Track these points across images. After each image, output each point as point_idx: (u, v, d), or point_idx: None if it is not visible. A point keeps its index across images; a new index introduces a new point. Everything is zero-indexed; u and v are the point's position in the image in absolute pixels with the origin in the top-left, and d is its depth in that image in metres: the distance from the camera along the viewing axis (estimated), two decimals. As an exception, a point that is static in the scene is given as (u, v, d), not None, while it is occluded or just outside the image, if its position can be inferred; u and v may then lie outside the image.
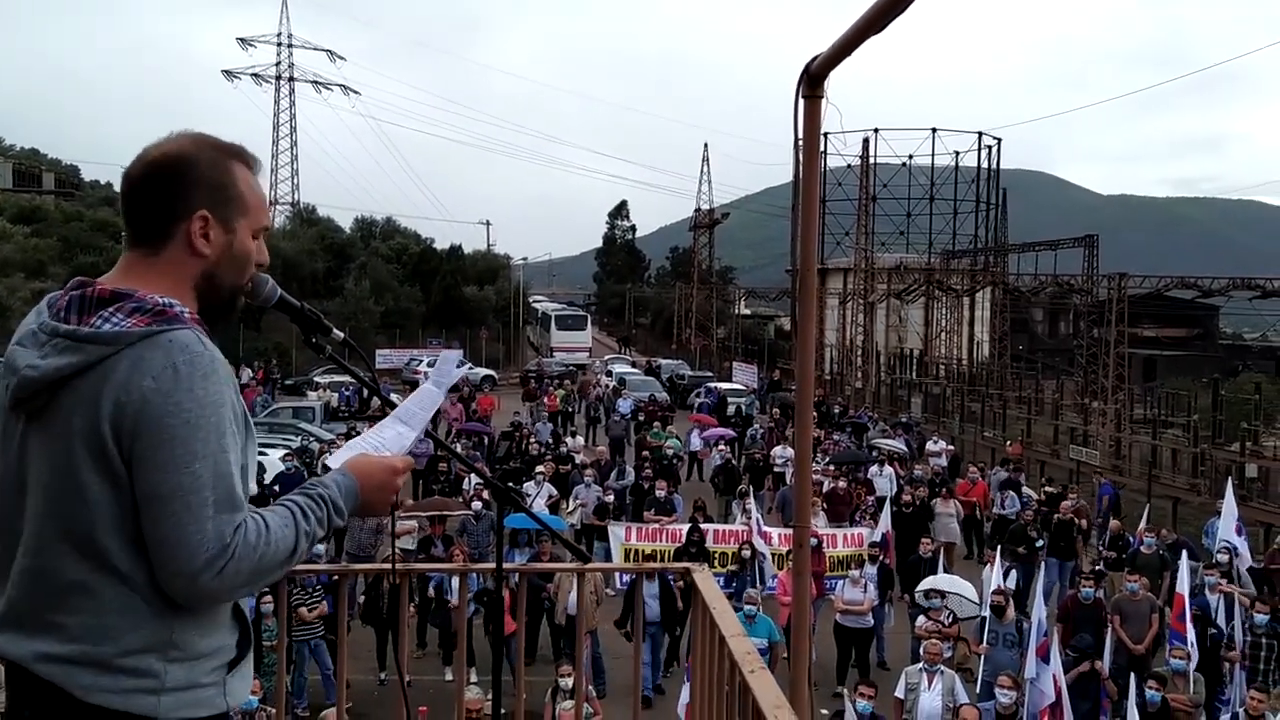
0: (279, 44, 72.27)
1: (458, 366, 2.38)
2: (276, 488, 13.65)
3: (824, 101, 3.01)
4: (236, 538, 1.72)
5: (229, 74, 71.92)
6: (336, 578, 6.74)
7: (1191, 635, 10.57)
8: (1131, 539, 15.12)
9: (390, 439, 2.28)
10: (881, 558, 13.81)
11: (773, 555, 14.83)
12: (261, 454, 19.79)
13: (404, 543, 13.72)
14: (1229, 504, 14.24)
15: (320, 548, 12.48)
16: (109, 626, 1.72)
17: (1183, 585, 11.19)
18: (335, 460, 2.26)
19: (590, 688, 10.42)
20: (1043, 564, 14.43)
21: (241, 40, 71.61)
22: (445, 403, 28.89)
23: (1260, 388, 33.48)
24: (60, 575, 1.72)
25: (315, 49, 73.78)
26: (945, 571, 13.06)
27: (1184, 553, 12.47)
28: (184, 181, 1.85)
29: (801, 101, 3.03)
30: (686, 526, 15.09)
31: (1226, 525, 14.02)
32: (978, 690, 10.45)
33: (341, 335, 2.27)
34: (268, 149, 72.98)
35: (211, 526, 1.70)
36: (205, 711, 1.81)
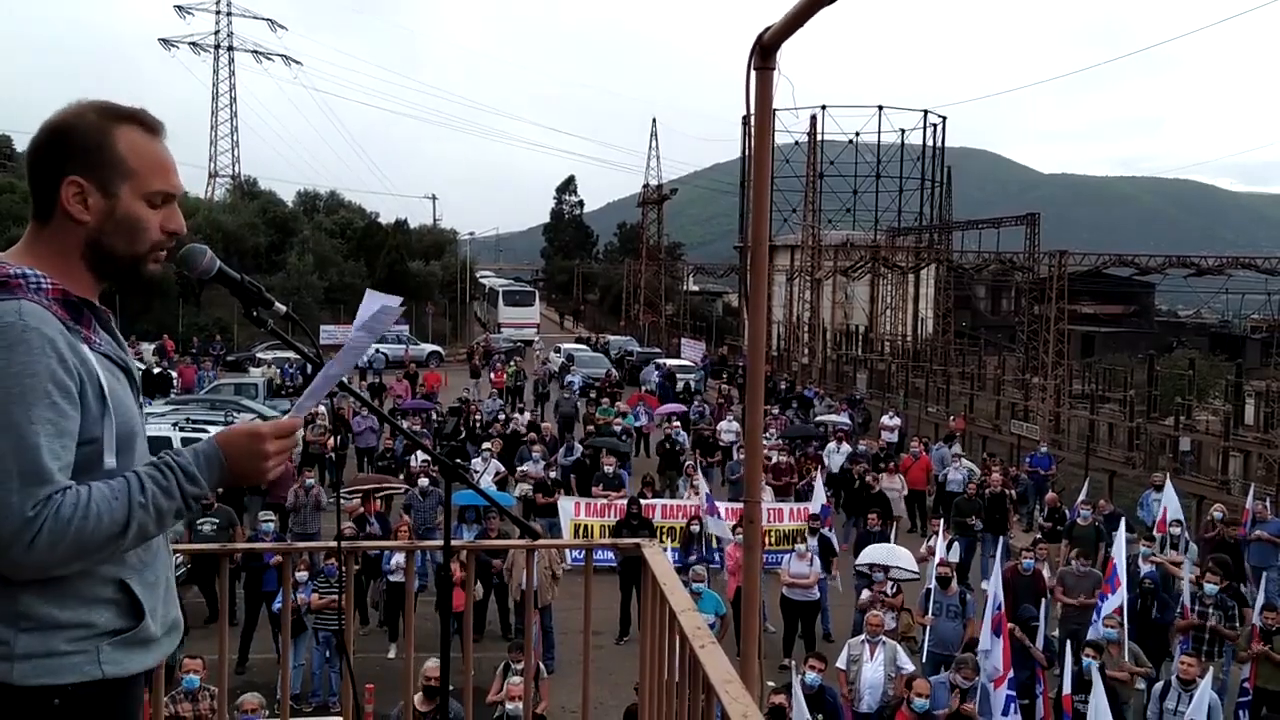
0: (218, 11, 70.53)
1: (383, 311, 2.09)
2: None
3: (775, 73, 2.97)
4: (45, 511, 1.70)
5: (166, 42, 70.06)
6: (280, 557, 6.64)
7: (1120, 600, 10.79)
8: (1068, 511, 15.42)
9: (318, 384, 2.17)
10: (821, 529, 13.95)
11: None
12: (202, 430, 19.55)
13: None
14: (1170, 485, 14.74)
15: (270, 525, 12.24)
16: None
17: (1118, 553, 11.46)
18: None
19: (540, 664, 10.42)
20: (984, 538, 14.68)
21: (179, 7, 69.71)
22: (391, 379, 28.66)
23: (1194, 363, 34.38)
24: None
25: (255, 17, 72.15)
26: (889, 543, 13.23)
27: (1120, 523, 12.76)
28: (61, 149, 1.86)
29: (754, 73, 2.99)
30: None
31: (1173, 501, 14.38)
32: (923, 660, 10.62)
33: (284, 309, 2.21)
34: (206, 120, 71.40)
35: (16, 500, 1.68)
36: (71, 678, 1.80)
